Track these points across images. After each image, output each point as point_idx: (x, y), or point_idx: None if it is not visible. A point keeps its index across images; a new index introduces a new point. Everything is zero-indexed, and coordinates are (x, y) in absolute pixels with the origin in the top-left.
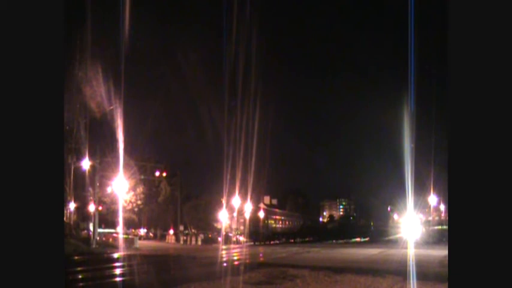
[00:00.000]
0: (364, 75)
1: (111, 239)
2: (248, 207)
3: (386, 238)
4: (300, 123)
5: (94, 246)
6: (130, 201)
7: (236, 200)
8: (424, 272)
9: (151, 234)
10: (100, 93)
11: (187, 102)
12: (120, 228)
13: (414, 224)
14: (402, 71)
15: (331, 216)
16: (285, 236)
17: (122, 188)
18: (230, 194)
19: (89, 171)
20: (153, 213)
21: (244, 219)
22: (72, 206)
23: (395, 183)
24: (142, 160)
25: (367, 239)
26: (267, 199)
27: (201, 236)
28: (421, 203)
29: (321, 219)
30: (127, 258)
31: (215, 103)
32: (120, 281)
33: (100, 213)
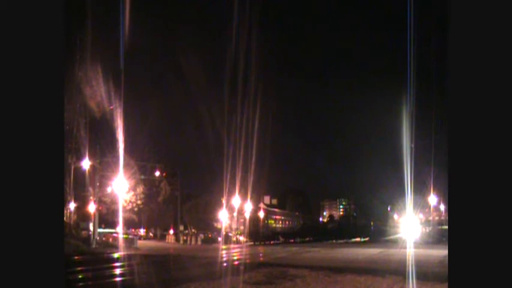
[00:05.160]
0: (363, 75)
1: (111, 239)
2: (248, 207)
3: (386, 238)
4: (300, 123)
5: (94, 246)
6: (130, 201)
7: (236, 200)
8: (424, 272)
9: (151, 234)
10: (100, 93)
11: (187, 102)
12: (120, 228)
13: (414, 224)
14: (402, 71)
15: (331, 216)
16: (285, 236)
17: (122, 188)
18: (230, 193)
19: (89, 171)
20: (153, 213)
21: (244, 219)
22: (72, 206)
23: (395, 183)
24: (142, 160)
25: (367, 238)
26: (267, 199)
27: (201, 235)
28: (421, 203)
29: (321, 219)
30: (127, 258)
31: (215, 103)
32: (120, 281)
33: (100, 213)
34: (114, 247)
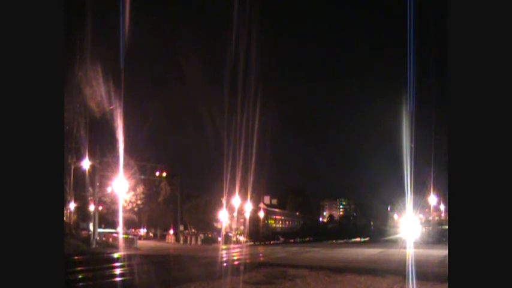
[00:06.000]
0: (364, 75)
1: (111, 239)
2: (248, 207)
3: (386, 238)
4: (300, 123)
5: (94, 246)
6: (130, 201)
7: (236, 200)
8: (424, 272)
9: (151, 234)
10: (100, 93)
11: (187, 102)
12: (120, 228)
13: (414, 224)
14: (402, 71)
15: (331, 216)
16: (285, 236)
17: (122, 188)
18: (230, 193)
19: (89, 171)
20: (153, 213)
21: (244, 219)
22: (72, 206)
23: (396, 183)
24: (142, 160)
25: (367, 238)
26: (267, 199)
27: (201, 235)
28: (421, 203)
29: (321, 219)
30: (127, 258)
31: (216, 103)
32: (120, 281)
33: (100, 213)
34: (114, 247)
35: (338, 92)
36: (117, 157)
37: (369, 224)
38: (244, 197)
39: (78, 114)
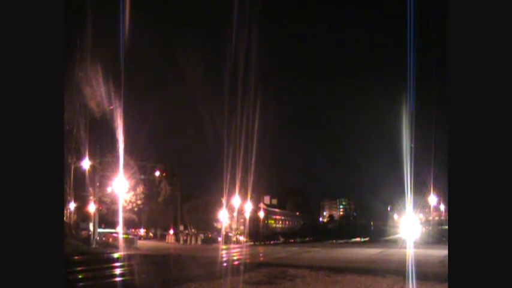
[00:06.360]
0: (364, 75)
1: (111, 239)
2: (248, 207)
3: (386, 238)
4: (300, 123)
5: (94, 246)
6: (130, 201)
7: (236, 200)
8: (424, 272)
9: (151, 234)
10: (100, 93)
11: (187, 102)
12: (120, 228)
13: (414, 224)
14: (402, 71)
15: (331, 216)
16: (285, 236)
17: (122, 188)
18: (230, 193)
19: (89, 171)
20: (153, 213)
21: (244, 219)
22: (72, 206)
23: (396, 183)
24: (142, 160)
25: (367, 238)
26: (267, 199)
27: (201, 235)
28: (421, 203)
29: (321, 219)
30: (127, 258)
31: (216, 103)
32: (120, 281)
33: (100, 213)
34: (114, 247)
35: (338, 92)
36: (117, 157)
37: (369, 224)
38: (244, 197)
39: (78, 114)
